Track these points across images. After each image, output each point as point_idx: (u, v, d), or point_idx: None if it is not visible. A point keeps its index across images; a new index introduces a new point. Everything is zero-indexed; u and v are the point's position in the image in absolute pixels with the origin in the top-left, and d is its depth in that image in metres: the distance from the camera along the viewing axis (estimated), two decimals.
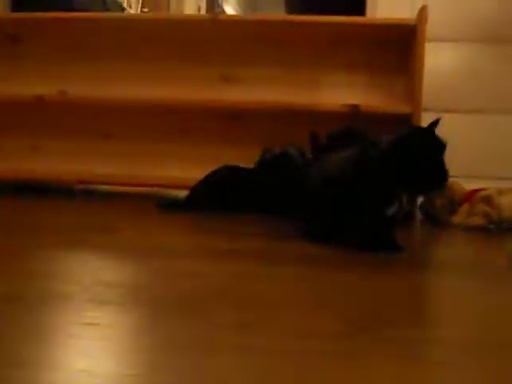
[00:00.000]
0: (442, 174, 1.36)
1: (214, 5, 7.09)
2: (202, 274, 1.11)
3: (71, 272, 1.06)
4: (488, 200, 1.91)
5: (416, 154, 1.35)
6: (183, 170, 2.57)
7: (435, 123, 1.42)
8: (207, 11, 6.46)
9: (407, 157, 1.35)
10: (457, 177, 2.49)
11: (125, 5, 5.01)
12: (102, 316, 0.80)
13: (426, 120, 2.50)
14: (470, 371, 0.66)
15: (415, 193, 1.52)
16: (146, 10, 5.57)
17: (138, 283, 1.00)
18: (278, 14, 3.72)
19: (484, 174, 2.56)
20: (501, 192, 1.92)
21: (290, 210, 2.00)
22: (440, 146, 1.38)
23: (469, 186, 2.18)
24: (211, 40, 2.61)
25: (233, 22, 2.41)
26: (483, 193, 1.95)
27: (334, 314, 0.86)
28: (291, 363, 0.66)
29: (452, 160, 2.59)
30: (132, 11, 5.12)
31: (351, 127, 1.97)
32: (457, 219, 1.97)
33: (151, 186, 2.46)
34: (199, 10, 6.18)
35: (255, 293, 0.97)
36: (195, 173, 2.27)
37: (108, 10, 3.31)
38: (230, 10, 8.16)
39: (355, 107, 2.27)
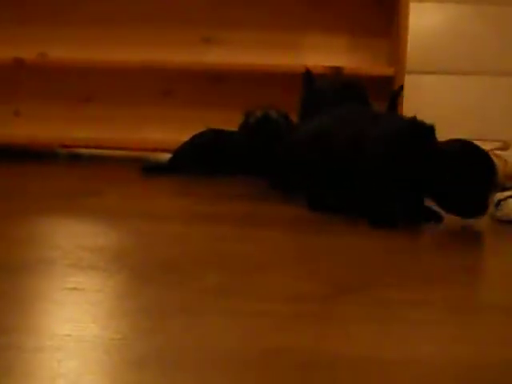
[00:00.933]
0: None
1: None
2: (187, 237, 1.11)
3: (54, 237, 1.06)
4: None
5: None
6: (165, 133, 2.55)
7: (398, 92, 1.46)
8: None
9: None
10: (440, 138, 2.50)
11: None
12: (86, 281, 0.80)
13: (408, 82, 2.50)
14: (448, 329, 0.67)
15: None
16: None
17: (122, 248, 1.00)
18: None
19: (468, 135, 2.57)
20: None
21: (272, 172, 2.00)
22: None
23: None
24: (191, 1, 2.57)
25: None
26: None
27: (317, 276, 0.87)
28: (274, 325, 0.67)
29: (436, 122, 2.59)
30: None
31: (348, 80, 1.95)
32: None
33: (134, 149, 2.45)
34: None
35: (239, 255, 0.98)
36: (177, 136, 2.25)
37: None
38: None
39: (337, 69, 2.26)
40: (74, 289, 0.76)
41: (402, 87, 2.11)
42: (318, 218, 1.35)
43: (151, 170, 2.04)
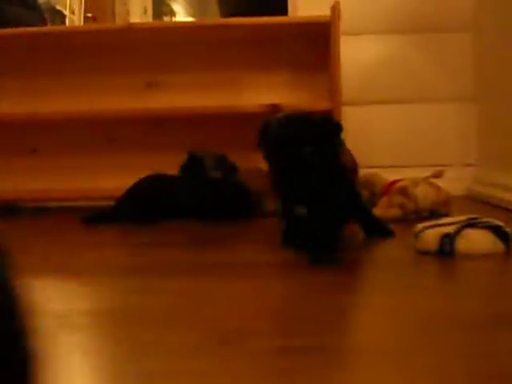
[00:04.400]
0: None
1: (161, 5, 7.05)
2: (92, 291, 1.12)
3: None
4: (404, 191, 1.94)
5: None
6: (112, 181, 2.57)
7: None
8: (154, 13, 6.43)
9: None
10: (382, 167, 2.53)
11: (67, 11, 4.96)
12: None
13: (348, 115, 2.54)
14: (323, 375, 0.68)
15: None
16: (89, 15, 5.52)
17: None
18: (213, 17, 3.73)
19: (409, 163, 2.60)
20: (416, 183, 1.96)
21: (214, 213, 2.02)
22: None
23: (395, 175, 2.22)
24: (131, 48, 2.61)
25: (148, 29, 2.42)
26: (399, 184, 1.98)
27: (204, 327, 0.88)
28: None
29: (377, 150, 2.63)
30: (75, 17, 5.07)
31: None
32: (377, 211, 2.00)
33: (82, 199, 2.46)
34: (145, 11, 6.15)
35: (132, 310, 0.99)
36: (125, 182, 2.27)
37: (45, 20, 3.26)
38: (179, 9, 8.11)
39: (275, 106, 2.29)
40: None
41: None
42: (244, 261, 1.36)
43: (92, 219, 2.05)
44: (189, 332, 0.86)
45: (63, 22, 4.90)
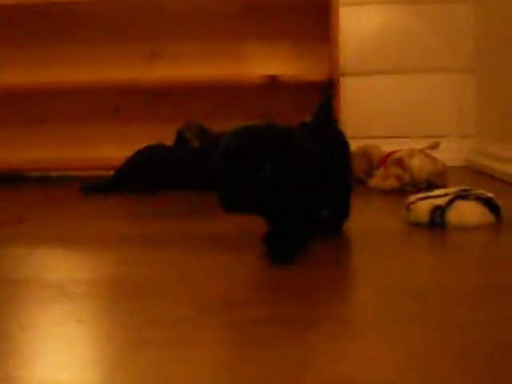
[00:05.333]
0: None
1: None
2: (88, 261, 1.15)
3: None
4: (400, 162, 1.96)
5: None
6: (117, 150, 2.59)
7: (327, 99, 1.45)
8: None
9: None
10: (380, 137, 2.55)
11: None
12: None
13: (347, 85, 2.54)
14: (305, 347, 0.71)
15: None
16: None
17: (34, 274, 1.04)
18: None
19: (407, 134, 2.62)
20: (412, 154, 1.97)
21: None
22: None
23: (393, 146, 2.23)
24: (135, 18, 2.61)
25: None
26: (395, 155, 2.00)
27: (187, 298, 0.91)
28: (137, 353, 0.71)
29: (375, 121, 2.64)
30: None
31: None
32: (373, 182, 2.02)
33: (86, 168, 2.49)
34: None
35: (123, 280, 1.02)
36: (129, 152, 2.29)
37: None
38: None
39: (274, 77, 2.30)
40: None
41: (330, 95, 2.12)
42: (242, 233, 1.39)
43: (91, 189, 2.08)
44: (175, 302, 0.89)
45: None
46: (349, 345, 0.72)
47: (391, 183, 1.96)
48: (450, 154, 2.47)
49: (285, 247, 1.12)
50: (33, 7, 2.52)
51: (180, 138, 2.18)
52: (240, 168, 1.00)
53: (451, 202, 1.40)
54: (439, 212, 1.39)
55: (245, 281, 1.01)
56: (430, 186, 1.91)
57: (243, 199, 1.00)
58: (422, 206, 1.42)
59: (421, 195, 1.48)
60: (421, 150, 2.01)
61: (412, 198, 1.47)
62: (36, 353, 0.71)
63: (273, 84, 2.32)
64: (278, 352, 0.69)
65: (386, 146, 2.21)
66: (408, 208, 1.44)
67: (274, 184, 1.03)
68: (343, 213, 1.36)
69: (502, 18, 2.24)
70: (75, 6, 2.55)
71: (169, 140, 2.23)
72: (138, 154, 2.20)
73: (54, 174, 2.61)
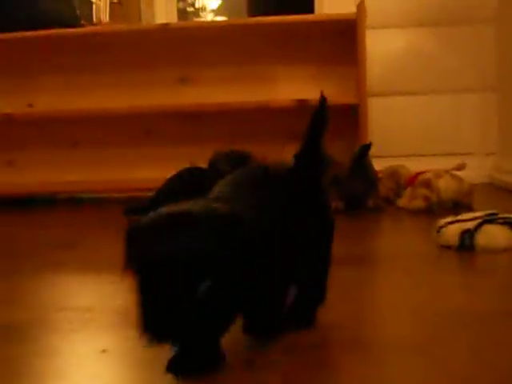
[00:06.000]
0: None
1: (185, 6, 7.09)
2: None
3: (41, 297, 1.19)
4: (427, 183, 2.04)
5: None
6: (150, 172, 2.70)
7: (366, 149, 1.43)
8: (178, 14, 6.49)
9: None
10: (405, 156, 2.63)
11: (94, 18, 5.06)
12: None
13: (374, 106, 2.63)
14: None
15: None
16: (115, 0, 5.59)
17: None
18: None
19: (432, 152, 2.70)
20: (439, 175, 2.06)
21: None
22: None
23: (418, 164, 2.32)
24: (166, 46, 2.72)
25: (183, 28, 2.55)
26: (422, 176, 2.09)
27: None
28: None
29: (400, 140, 2.73)
30: (101, 2, 5.16)
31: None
32: (401, 203, 2.11)
33: (118, 190, 2.60)
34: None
35: None
36: (160, 174, 2.39)
37: (76, 13, 3.38)
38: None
39: (304, 101, 2.40)
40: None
41: (369, 145, 2.15)
42: None
43: (133, 211, 2.18)
44: None
45: (90, 9, 5.01)
46: (381, 366, 0.80)
47: (419, 204, 2.04)
48: (473, 171, 2.54)
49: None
50: (68, 36, 2.64)
51: (212, 168, 2.25)
52: (167, 282, 0.68)
53: (480, 225, 1.48)
54: (468, 235, 1.47)
55: None
56: (457, 205, 1.99)
57: (174, 325, 0.68)
58: (452, 229, 1.50)
59: (450, 219, 1.56)
60: (447, 171, 2.10)
61: (442, 221, 1.55)
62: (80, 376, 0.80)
63: (302, 108, 2.42)
64: (322, 373, 0.78)
65: (411, 164, 2.30)
66: (439, 231, 1.53)
67: (216, 300, 0.70)
68: (315, 297, 0.95)
69: None
70: (107, 35, 2.67)
71: (198, 161, 2.33)
72: (177, 175, 2.30)
73: (83, 195, 2.71)
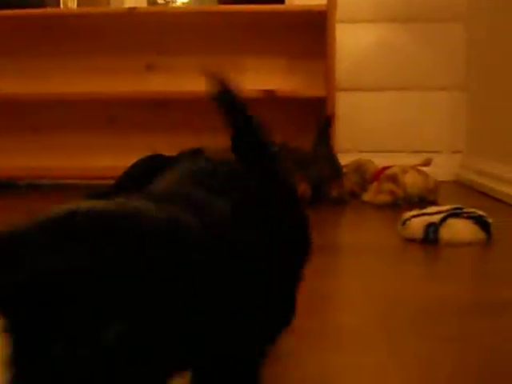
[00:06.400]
0: None
1: None
2: None
3: None
4: (393, 178, 2.03)
5: None
6: (113, 160, 2.64)
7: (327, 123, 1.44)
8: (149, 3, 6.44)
9: None
10: (373, 152, 2.62)
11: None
12: None
13: (341, 100, 2.60)
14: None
15: None
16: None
17: None
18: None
19: (399, 149, 2.69)
20: (405, 170, 2.05)
21: None
22: None
23: (385, 160, 2.30)
24: (133, 31, 2.67)
25: (151, 13, 2.49)
26: (389, 171, 2.07)
27: None
28: None
29: (368, 136, 2.71)
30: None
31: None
32: (366, 197, 2.09)
33: (79, 177, 2.54)
34: None
35: None
36: (125, 162, 2.33)
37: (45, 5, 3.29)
38: None
39: (271, 92, 2.36)
40: None
41: (330, 118, 2.19)
42: None
43: (94, 197, 2.12)
44: None
45: None
46: (342, 355, 0.78)
47: (384, 198, 2.02)
48: (441, 169, 2.54)
49: None
50: (30, 18, 2.56)
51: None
52: (51, 325, 0.42)
53: (444, 219, 1.47)
54: (433, 228, 1.45)
55: None
56: (422, 201, 1.98)
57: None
58: (417, 222, 1.48)
59: (415, 212, 1.54)
60: (413, 167, 2.08)
61: (407, 214, 1.53)
62: None
63: (269, 98, 2.38)
64: (285, 361, 0.75)
65: (378, 160, 2.28)
66: (404, 224, 1.51)
67: (134, 351, 0.44)
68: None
69: (493, 37, 2.31)
70: (72, 18, 2.60)
71: (163, 150, 2.27)
72: (140, 161, 2.25)
73: (45, 182, 2.65)
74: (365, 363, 0.75)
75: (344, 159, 2.23)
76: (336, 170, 2.10)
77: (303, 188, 1.96)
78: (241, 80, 2.34)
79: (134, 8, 2.46)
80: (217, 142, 2.20)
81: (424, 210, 1.55)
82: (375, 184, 2.10)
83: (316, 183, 2.01)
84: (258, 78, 2.62)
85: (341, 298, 1.07)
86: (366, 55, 2.70)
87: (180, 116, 2.66)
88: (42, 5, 2.83)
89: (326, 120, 2.20)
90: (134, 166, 2.28)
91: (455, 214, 1.49)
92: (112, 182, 2.32)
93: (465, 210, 1.51)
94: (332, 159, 2.11)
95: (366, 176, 2.19)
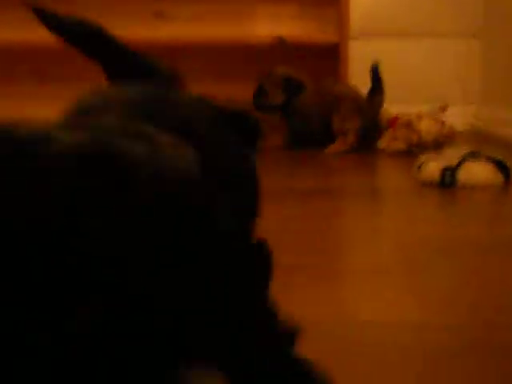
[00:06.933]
0: None
1: None
2: None
3: None
4: (408, 125, 1.99)
5: None
6: None
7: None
8: None
9: None
10: (387, 101, 2.57)
11: None
12: None
13: (355, 48, 2.55)
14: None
15: None
16: None
17: None
18: None
19: (413, 99, 2.63)
20: (420, 117, 2.00)
21: None
22: None
23: (399, 110, 2.26)
24: None
25: None
26: (404, 118, 2.03)
27: None
28: None
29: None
30: None
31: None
32: (382, 144, 2.05)
33: None
34: None
35: None
36: None
37: None
38: None
39: (280, 38, 2.31)
40: None
41: (375, 66, 2.13)
42: None
43: None
44: None
45: None
46: (352, 291, 0.76)
47: (399, 145, 1.99)
48: (455, 118, 2.49)
49: None
50: None
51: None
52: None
53: (461, 162, 1.43)
54: (449, 172, 1.42)
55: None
56: (438, 148, 1.94)
57: None
58: (433, 166, 1.45)
59: (431, 156, 1.51)
60: (428, 113, 2.04)
61: (423, 158, 1.50)
62: None
63: (280, 45, 2.33)
64: (294, 297, 0.73)
65: (392, 109, 2.23)
66: (419, 168, 1.48)
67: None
68: None
69: None
70: None
71: None
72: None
73: None
74: (384, 297, 0.73)
75: None
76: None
77: (351, 139, 2.03)
78: (252, 26, 2.29)
79: None
80: (227, 90, 2.17)
81: (440, 154, 1.52)
82: (390, 131, 2.06)
83: (364, 132, 2.07)
84: (269, 24, 2.56)
85: (354, 235, 1.05)
86: (379, 1, 2.63)
87: (189, 64, 2.61)
88: None
89: (372, 68, 2.13)
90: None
91: (473, 157, 1.46)
92: None
93: (482, 154, 1.48)
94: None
95: (381, 123, 2.14)
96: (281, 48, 2.38)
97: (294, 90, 2.09)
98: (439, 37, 2.63)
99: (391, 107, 2.30)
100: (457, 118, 2.54)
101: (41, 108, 2.53)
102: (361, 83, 2.56)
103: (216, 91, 2.50)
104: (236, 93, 2.34)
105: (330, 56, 2.35)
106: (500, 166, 1.44)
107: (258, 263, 0.41)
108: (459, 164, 1.43)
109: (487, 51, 2.55)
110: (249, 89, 2.26)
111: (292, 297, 0.72)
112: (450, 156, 1.48)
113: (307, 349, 0.43)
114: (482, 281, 0.79)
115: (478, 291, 0.75)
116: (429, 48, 2.64)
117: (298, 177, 1.58)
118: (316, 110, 2.09)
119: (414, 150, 1.95)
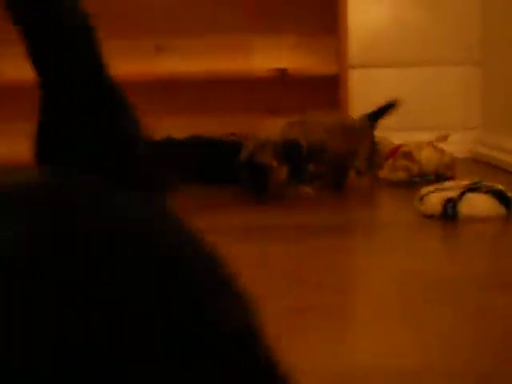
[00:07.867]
0: None
1: None
2: None
3: None
4: (409, 155, 1.99)
5: None
6: None
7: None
8: None
9: None
10: (387, 129, 2.57)
11: None
12: None
13: (354, 78, 2.56)
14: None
15: None
16: None
17: None
18: None
19: (414, 126, 2.64)
20: (420, 147, 2.01)
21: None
22: None
23: (400, 137, 2.26)
24: (141, 12, 2.63)
25: None
26: (404, 148, 2.03)
27: None
28: None
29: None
30: None
31: None
32: (382, 174, 2.06)
33: None
34: None
35: None
36: None
37: None
38: None
39: (283, 71, 2.33)
40: None
41: (394, 103, 2.04)
42: (249, 225, 1.42)
43: None
44: None
45: None
46: (363, 330, 0.76)
47: (400, 175, 1.99)
48: (456, 145, 2.50)
49: None
50: None
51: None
52: None
53: (463, 194, 1.44)
54: (451, 204, 1.42)
55: (268, 273, 1.05)
56: (438, 177, 1.94)
57: None
58: (435, 198, 1.45)
59: (432, 188, 1.51)
60: (429, 143, 2.04)
61: (424, 190, 1.50)
62: None
63: (281, 77, 2.35)
64: (303, 337, 0.73)
65: (394, 138, 2.24)
66: (421, 200, 1.48)
67: None
68: None
69: (509, 10, 2.27)
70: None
71: (174, 133, 2.26)
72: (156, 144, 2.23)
73: None
74: (379, 332, 0.73)
75: None
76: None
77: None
78: (252, 59, 2.30)
79: None
80: (227, 123, 2.18)
81: (441, 186, 1.52)
82: (390, 161, 2.06)
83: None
84: (267, 57, 2.58)
85: (360, 274, 1.05)
86: (379, 31, 2.66)
87: (188, 97, 2.63)
88: None
89: (390, 101, 2.03)
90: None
91: (474, 188, 1.46)
92: None
93: (483, 184, 1.48)
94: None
95: (382, 153, 2.15)
96: (280, 80, 2.39)
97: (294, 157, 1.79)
98: (439, 65, 2.65)
99: (392, 135, 2.32)
100: (457, 145, 2.55)
101: None
102: (360, 112, 2.57)
103: (216, 124, 2.52)
104: (235, 126, 2.36)
105: (330, 86, 2.36)
106: (501, 197, 1.44)
107: None
108: (460, 196, 1.43)
109: (487, 79, 2.57)
110: (249, 120, 2.28)
111: (292, 343, 0.72)
112: (452, 187, 1.49)
113: None
114: (486, 321, 0.79)
115: (481, 333, 0.75)
116: (429, 76, 2.65)
117: (288, 213, 1.58)
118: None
119: (415, 180, 1.95)
